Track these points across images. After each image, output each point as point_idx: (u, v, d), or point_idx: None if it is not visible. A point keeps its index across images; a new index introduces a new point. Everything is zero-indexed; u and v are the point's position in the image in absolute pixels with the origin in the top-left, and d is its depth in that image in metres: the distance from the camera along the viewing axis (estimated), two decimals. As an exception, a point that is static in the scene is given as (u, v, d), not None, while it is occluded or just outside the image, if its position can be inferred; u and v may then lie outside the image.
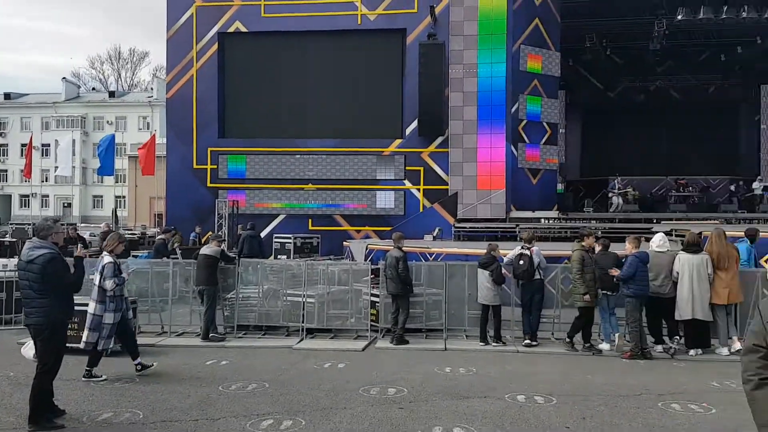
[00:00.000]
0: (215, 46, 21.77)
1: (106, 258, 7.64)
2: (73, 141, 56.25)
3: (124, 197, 54.91)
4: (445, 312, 10.22)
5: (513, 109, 20.65)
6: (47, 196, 62.81)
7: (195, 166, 21.56)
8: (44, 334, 5.84)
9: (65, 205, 65.45)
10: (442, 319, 10.23)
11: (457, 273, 10.44)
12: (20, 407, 6.03)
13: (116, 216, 36.75)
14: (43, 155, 55.74)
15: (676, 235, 13.72)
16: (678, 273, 9.04)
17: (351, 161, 21.06)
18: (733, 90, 29.64)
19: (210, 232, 17.37)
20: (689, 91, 29.77)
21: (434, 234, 18.89)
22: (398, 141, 20.86)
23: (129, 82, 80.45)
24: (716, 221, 19.24)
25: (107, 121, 65.12)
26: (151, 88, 68.52)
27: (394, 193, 20.87)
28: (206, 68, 21.78)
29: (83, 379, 7.28)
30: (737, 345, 9.00)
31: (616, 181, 24.11)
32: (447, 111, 20.17)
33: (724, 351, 9.00)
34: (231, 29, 21.74)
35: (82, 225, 44.04)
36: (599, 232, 13.88)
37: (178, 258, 13.81)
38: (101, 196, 64.69)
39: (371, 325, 10.28)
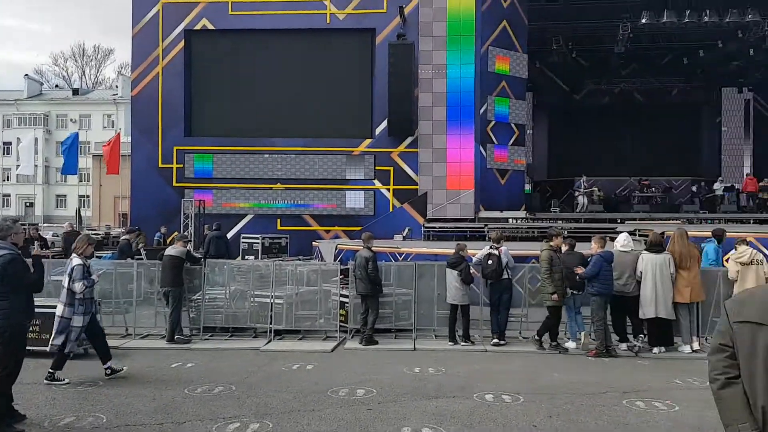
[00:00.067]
0: (181, 44, 21.45)
1: (75, 260, 7.50)
2: (36, 139, 54.88)
3: (88, 197, 53.77)
4: (415, 312, 10.24)
5: (481, 110, 20.81)
6: (9, 195, 61.25)
7: (160, 165, 21.21)
8: (4, 337, 5.71)
9: (27, 204, 63.85)
10: (412, 319, 10.25)
11: (427, 273, 10.48)
12: (-23, 413, 5.85)
13: (80, 216, 35.93)
14: (4, 153, 54.38)
15: (640, 235, 13.98)
16: (641, 272, 9.21)
17: (320, 161, 20.96)
18: (695, 93, 30.39)
19: (176, 233, 17.12)
20: (653, 94, 30.43)
21: (404, 234, 18.93)
22: (368, 141, 20.84)
23: (93, 80, 78.90)
24: (678, 221, 19.68)
25: (71, 119, 63.76)
26: (116, 86, 67.27)
27: (364, 193, 20.83)
28: (172, 66, 21.45)
29: (45, 381, 7.12)
30: (696, 344, 9.25)
31: (582, 181, 24.47)
32: (416, 111, 20.23)
33: (687, 349, 9.21)
34: (198, 26, 21.44)
35: (45, 225, 43.01)
36: (565, 232, 14.06)
37: (142, 259, 13.58)
38: (65, 196, 63.33)
39: (340, 326, 10.24)
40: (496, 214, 20.50)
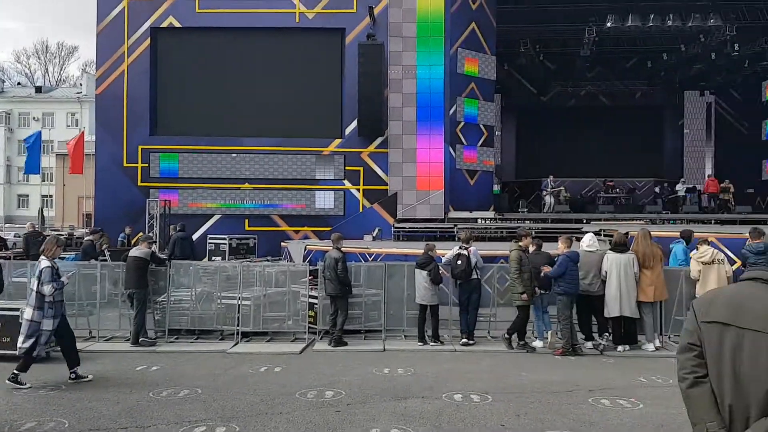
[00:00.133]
0: (147, 41, 21.09)
1: (44, 262, 7.37)
2: (-4, 137, 53.49)
3: (51, 197, 52.62)
4: (384, 312, 10.23)
5: (451, 111, 20.93)
6: (-32, 195, 59.50)
7: (125, 164, 20.83)
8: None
9: (-13, 204, 62.16)
10: (381, 320, 10.24)
11: (397, 273, 10.49)
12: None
13: (43, 216, 35.12)
14: (-37, 152, 52.80)
15: (605, 235, 14.21)
16: (606, 272, 9.36)
17: (289, 160, 20.82)
18: (658, 96, 31.07)
19: (141, 233, 16.83)
20: (617, 97, 31.00)
21: (374, 234, 18.92)
22: (338, 141, 20.78)
23: (57, 78, 77.02)
24: (642, 222, 20.08)
25: (33, 118, 62.21)
26: (80, 84, 65.83)
27: (334, 193, 20.76)
28: (138, 64, 21.08)
29: (7, 381, 6.98)
30: (658, 342, 9.45)
31: (549, 180, 24.76)
32: (386, 112, 20.25)
33: (650, 347, 9.39)
34: (164, 24, 21.11)
35: (7, 225, 41.98)
36: (533, 232, 14.20)
37: (106, 260, 13.33)
38: (27, 195, 61.71)
39: (309, 327, 10.19)
40: (466, 214, 20.63)
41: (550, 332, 9.58)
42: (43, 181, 48.28)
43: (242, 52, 21.23)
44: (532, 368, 8.28)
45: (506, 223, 20.84)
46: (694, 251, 9.78)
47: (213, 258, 16.08)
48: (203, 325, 10.25)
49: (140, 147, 20.82)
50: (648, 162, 29.88)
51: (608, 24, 23.50)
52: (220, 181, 20.82)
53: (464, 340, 9.68)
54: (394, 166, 20.40)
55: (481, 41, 22.10)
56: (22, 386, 6.99)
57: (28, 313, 7.24)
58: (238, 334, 9.95)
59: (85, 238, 16.34)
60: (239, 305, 10.02)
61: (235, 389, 7.07)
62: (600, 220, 21.05)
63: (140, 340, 9.52)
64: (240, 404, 6.47)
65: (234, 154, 20.86)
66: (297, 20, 20.84)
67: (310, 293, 10.38)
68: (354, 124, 20.45)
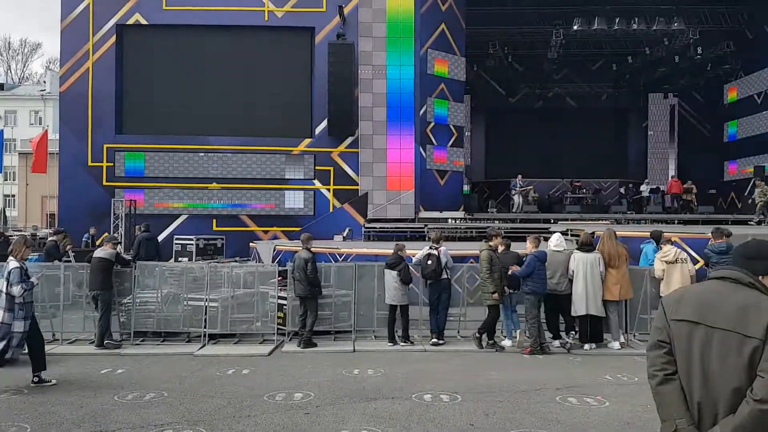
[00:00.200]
0: (113, 39, 20.68)
1: (12, 263, 7.26)
2: (-46, 135, 51.89)
3: (13, 196, 51.33)
4: (354, 313, 10.21)
5: (421, 112, 21.01)
6: (-75, 194, 57.61)
7: (90, 163, 20.40)
8: None
9: (-54, 204, 60.33)
10: (351, 321, 10.21)
11: (367, 273, 10.47)
12: None
13: (5, 216, 34.24)
14: None
15: (572, 235, 14.38)
16: (573, 271, 9.49)
17: (258, 160, 20.64)
18: (623, 98, 31.63)
19: (106, 234, 16.51)
20: (583, 99, 31.47)
21: (344, 234, 18.86)
22: (308, 140, 20.66)
23: (20, 75, 75.15)
24: (607, 222, 20.39)
25: (-6, 115, 60.59)
26: (44, 81, 64.28)
27: (304, 193, 20.65)
28: (103, 61, 20.65)
29: None
30: (622, 338, 9.62)
31: (517, 180, 24.97)
32: (357, 111, 20.21)
33: (616, 345, 9.55)
34: (130, 21, 20.74)
35: (-35, 226, 40.70)
36: (502, 232, 14.32)
37: (70, 261, 13.04)
38: (-13, 195, 60.13)
39: (278, 329, 10.10)
40: (436, 214, 20.72)
41: (518, 331, 9.68)
42: (6, 180, 47.12)
43: (210, 51, 20.97)
44: (501, 367, 8.34)
45: (476, 223, 20.99)
46: (658, 251, 9.98)
47: (180, 259, 15.85)
48: (169, 327, 10.10)
49: (105, 146, 20.42)
50: (613, 163, 30.40)
51: (575, 27, 23.89)
52: (188, 180, 20.53)
53: (434, 340, 9.72)
54: (364, 166, 20.38)
55: (450, 42, 22.22)
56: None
57: None
58: (205, 336, 9.83)
59: (49, 239, 15.94)
60: (206, 307, 9.89)
61: (202, 392, 6.98)
62: (567, 220, 21.32)
63: (105, 342, 9.36)
64: (207, 407, 6.38)
65: (202, 153, 20.61)
66: (266, 19, 20.67)
67: (279, 294, 10.29)
68: (324, 123, 20.37)
